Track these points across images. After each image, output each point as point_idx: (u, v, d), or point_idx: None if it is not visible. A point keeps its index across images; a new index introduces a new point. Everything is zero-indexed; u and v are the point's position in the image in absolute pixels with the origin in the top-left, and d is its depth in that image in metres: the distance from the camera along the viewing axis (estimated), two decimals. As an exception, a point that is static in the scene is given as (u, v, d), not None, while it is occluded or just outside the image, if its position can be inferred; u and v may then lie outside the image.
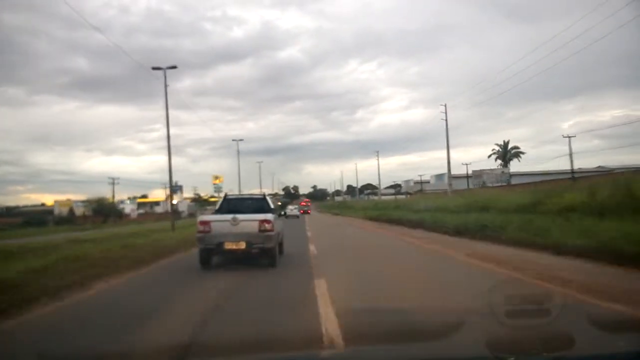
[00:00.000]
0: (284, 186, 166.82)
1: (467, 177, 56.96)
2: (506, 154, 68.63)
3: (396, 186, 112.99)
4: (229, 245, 9.58)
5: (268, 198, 12.25)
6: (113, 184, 65.53)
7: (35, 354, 4.36)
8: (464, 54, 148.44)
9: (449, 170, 47.51)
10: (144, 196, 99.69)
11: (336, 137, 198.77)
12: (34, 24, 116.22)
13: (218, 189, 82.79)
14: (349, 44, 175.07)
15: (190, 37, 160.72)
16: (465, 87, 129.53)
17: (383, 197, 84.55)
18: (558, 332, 2.76)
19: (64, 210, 66.88)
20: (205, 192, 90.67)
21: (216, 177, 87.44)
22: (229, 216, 9.85)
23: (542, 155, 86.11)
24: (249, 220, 9.71)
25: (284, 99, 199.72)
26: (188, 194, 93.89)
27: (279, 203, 16.74)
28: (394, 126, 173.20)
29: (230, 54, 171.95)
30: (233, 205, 11.45)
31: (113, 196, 66.78)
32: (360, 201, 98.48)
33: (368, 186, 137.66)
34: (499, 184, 50.67)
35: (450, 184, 46.03)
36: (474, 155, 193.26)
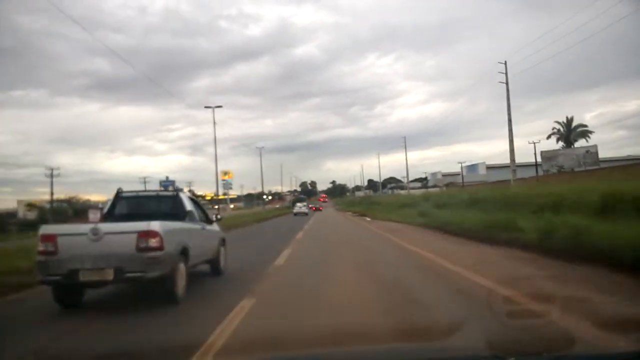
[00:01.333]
0: (300, 182, 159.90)
1: (536, 163, 44.31)
2: (570, 133, 55.70)
3: (422, 180, 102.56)
4: (86, 276, 6.24)
5: (183, 196, 8.62)
6: (52, 176, 53.98)
7: (32, 353, 4.25)
8: (481, 46, 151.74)
9: (512, 150, 34.59)
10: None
11: (355, 132, 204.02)
12: (53, 27, 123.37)
13: (227, 185, 75.32)
14: (366, 38, 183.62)
15: (207, 36, 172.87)
16: (482, 79, 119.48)
17: (411, 191, 72.68)
18: (558, 332, 3.05)
19: (30, 213, 55.86)
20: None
21: (225, 173, 79.10)
22: (87, 226, 6.43)
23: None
24: (120, 233, 6.42)
25: (302, 96, 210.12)
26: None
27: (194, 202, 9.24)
28: (413, 120, 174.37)
29: (247, 52, 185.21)
30: (129, 207, 8.39)
31: (52, 193, 55.28)
32: (383, 196, 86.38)
33: (391, 180, 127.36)
34: (585, 168, 37.79)
35: (514, 170, 33.63)
36: (493, 149, 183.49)
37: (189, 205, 8.46)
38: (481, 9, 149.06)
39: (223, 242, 9.80)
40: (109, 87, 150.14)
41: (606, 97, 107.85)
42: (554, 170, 41.40)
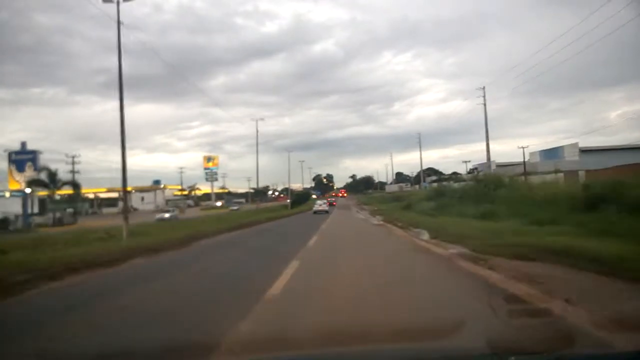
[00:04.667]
0: (314, 175, 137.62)
1: None
2: None
3: (471, 171, 79.08)
4: None
5: None
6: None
7: (34, 354, 4.24)
8: (504, 43, 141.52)
9: None
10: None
11: (373, 131, 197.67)
12: (70, 25, 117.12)
13: (212, 175, 52.55)
14: (384, 35, 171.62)
15: (222, 33, 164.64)
16: (504, 77, 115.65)
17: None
18: (558, 331, 2.77)
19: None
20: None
21: (209, 159, 54.36)
22: None
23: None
24: None
25: (320, 94, 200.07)
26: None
27: None
28: (432, 119, 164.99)
29: (263, 50, 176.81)
30: None
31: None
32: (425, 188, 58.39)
33: (431, 171, 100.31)
34: None
35: None
36: (514, 148, 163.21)
37: None
38: (505, 3, 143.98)
39: None
40: (127, 85, 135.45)
41: (631, 96, 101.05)
42: None
